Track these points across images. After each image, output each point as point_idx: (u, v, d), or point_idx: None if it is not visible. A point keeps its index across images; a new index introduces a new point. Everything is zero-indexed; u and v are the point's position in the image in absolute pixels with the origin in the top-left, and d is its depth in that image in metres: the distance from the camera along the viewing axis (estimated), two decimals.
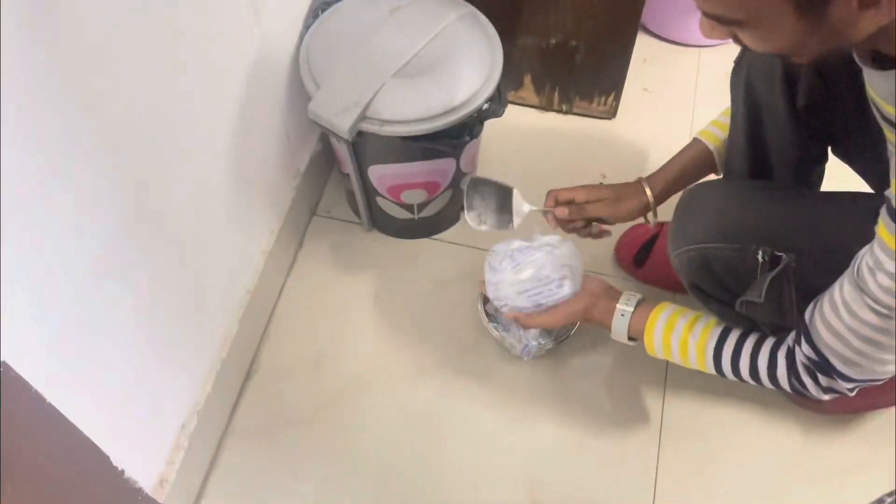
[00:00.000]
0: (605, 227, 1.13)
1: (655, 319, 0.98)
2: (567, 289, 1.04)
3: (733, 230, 0.89)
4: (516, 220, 1.11)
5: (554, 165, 1.48)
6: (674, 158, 1.13)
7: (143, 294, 0.88)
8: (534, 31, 1.39)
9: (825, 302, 0.78)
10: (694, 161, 1.11)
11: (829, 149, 1.04)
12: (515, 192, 1.12)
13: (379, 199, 1.28)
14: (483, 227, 1.12)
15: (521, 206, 1.12)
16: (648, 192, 1.09)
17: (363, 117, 1.07)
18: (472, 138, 1.16)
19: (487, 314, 1.20)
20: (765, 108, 0.97)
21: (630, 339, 1.02)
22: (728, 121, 1.08)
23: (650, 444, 1.17)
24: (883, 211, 0.69)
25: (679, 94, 1.59)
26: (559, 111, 1.55)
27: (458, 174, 1.26)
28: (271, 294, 1.28)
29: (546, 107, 1.55)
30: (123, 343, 0.86)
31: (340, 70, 1.09)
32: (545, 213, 1.12)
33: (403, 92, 1.08)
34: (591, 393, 1.21)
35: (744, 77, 0.97)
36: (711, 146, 1.09)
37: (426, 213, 1.31)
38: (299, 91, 1.14)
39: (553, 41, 1.40)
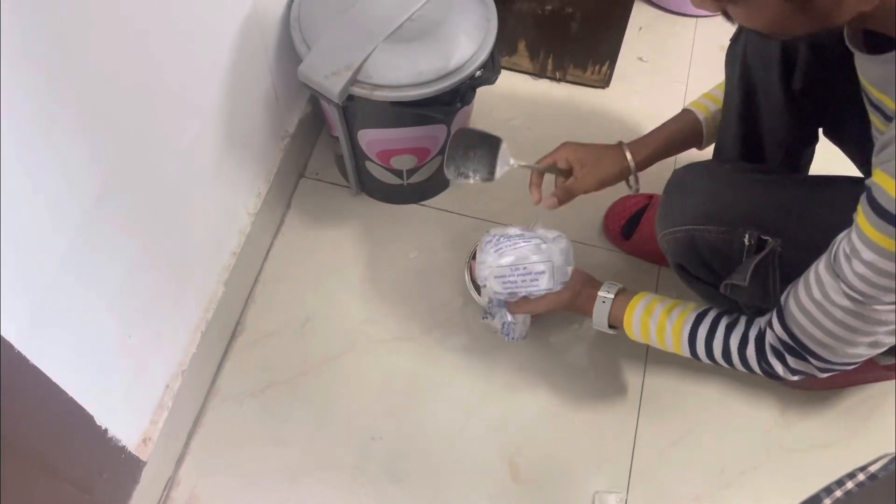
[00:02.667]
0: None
1: (635, 305, 0.98)
2: (543, 284, 1.04)
3: (721, 213, 0.89)
4: (499, 172, 1.07)
5: (545, 133, 1.46)
6: (661, 126, 1.12)
7: (128, 255, 0.88)
8: None
9: (800, 285, 0.78)
10: (681, 131, 1.10)
11: (821, 131, 1.04)
12: (503, 145, 1.08)
13: (368, 164, 1.27)
14: (460, 180, 1.08)
15: (507, 158, 1.08)
16: (629, 155, 1.08)
17: (354, 81, 1.06)
18: (463, 105, 1.15)
19: (475, 285, 1.20)
20: (759, 89, 0.96)
21: (611, 327, 1.03)
22: (721, 95, 1.07)
23: (629, 416, 1.19)
24: (863, 199, 0.69)
25: (674, 65, 1.58)
26: (553, 78, 1.53)
27: (449, 139, 1.25)
28: (258, 256, 1.28)
29: (539, 73, 1.53)
30: (108, 304, 0.86)
31: (332, 32, 1.07)
32: (531, 168, 1.10)
33: (395, 56, 1.06)
34: (574, 365, 1.23)
35: (740, 56, 0.96)
36: (702, 116, 1.08)
37: (415, 178, 1.30)
38: (289, 51, 1.12)
39: (549, 7, 1.38)
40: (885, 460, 1.17)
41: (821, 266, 0.75)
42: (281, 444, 1.15)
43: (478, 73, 1.11)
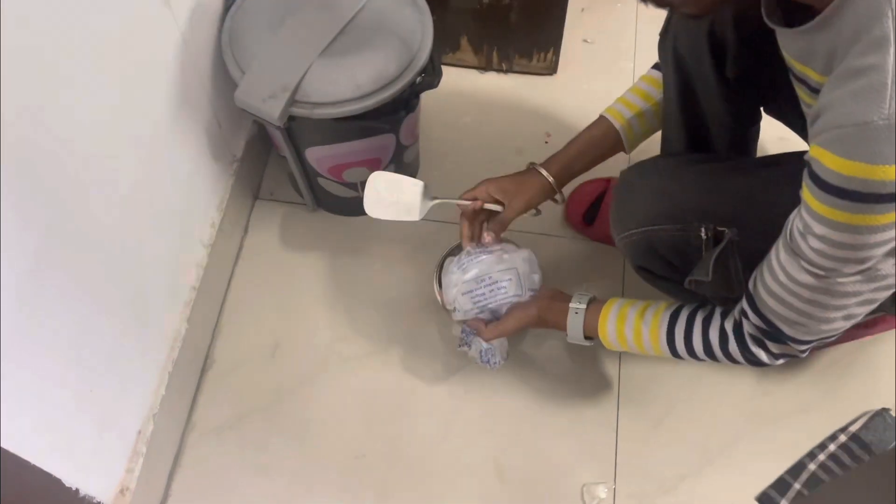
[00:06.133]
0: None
1: (607, 313, 0.97)
2: (511, 291, 1.04)
3: (673, 210, 0.88)
4: (422, 212, 1.08)
5: (497, 128, 1.46)
6: (576, 138, 1.10)
7: (78, 313, 0.85)
8: None
9: (764, 269, 0.78)
10: (596, 140, 1.09)
11: (762, 108, 1.03)
12: (422, 185, 1.09)
13: (321, 180, 1.25)
14: (383, 217, 1.09)
15: (429, 198, 1.09)
16: (544, 173, 1.07)
17: (293, 102, 1.04)
18: (408, 112, 1.13)
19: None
20: (695, 79, 0.96)
21: (586, 338, 1.01)
22: (636, 99, 1.07)
23: (609, 404, 1.18)
24: (805, 174, 0.69)
25: (619, 43, 1.57)
26: (499, 70, 1.52)
27: (399, 148, 1.23)
28: (219, 287, 1.26)
29: (485, 66, 1.52)
30: (61, 364, 0.84)
31: (265, 53, 1.05)
32: (458, 204, 1.10)
33: (332, 72, 1.04)
34: (549, 361, 1.22)
35: (671, 49, 0.95)
36: (617, 125, 1.07)
37: None
38: (225, 76, 1.10)
39: (486, 1, 1.37)
40: (864, 419, 1.19)
41: (780, 247, 0.75)
42: (265, 474, 1.13)
43: (418, 78, 1.10)
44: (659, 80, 1.06)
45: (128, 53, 0.89)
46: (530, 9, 1.38)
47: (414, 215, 1.09)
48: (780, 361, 0.85)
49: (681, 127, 1.01)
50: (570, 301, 1.01)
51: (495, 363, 1.08)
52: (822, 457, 1.15)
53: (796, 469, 1.14)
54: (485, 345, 1.07)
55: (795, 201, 0.74)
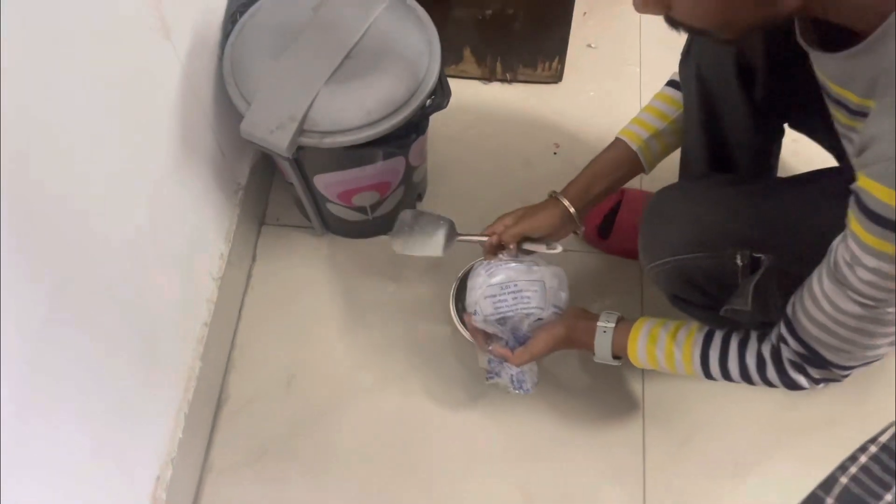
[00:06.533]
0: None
1: (637, 334, 0.95)
2: (533, 303, 1.01)
3: (707, 237, 0.86)
4: (446, 249, 1.10)
5: (504, 140, 1.42)
6: (591, 163, 1.07)
7: (90, 358, 0.82)
8: (468, 4, 1.32)
9: (805, 296, 0.75)
10: (613, 163, 1.05)
11: (787, 124, 1.01)
12: (449, 223, 1.11)
13: (329, 205, 1.22)
14: (407, 252, 1.11)
15: (454, 236, 1.10)
16: (566, 203, 1.04)
17: (301, 132, 1.00)
18: (419, 136, 1.10)
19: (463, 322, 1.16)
20: (719, 100, 0.93)
21: (614, 357, 0.99)
22: (651, 118, 1.04)
23: (635, 424, 1.16)
24: (852, 203, 0.66)
25: (624, 47, 1.54)
26: (503, 80, 1.49)
27: (409, 169, 1.20)
28: (230, 320, 1.23)
29: (489, 77, 1.48)
30: (74, 419, 0.81)
31: (269, 83, 1.01)
32: (480, 242, 1.09)
33: (340, 99, 1.01)
34: (571, 381, 1.20)
35: (693, 71, 0.92)
36: (634, 146, 1.03)
37: (381, 211, 1.25)
38: (225, 103, 1.06)
39: (489, 11, 1.33)
40: (893, 429, 1.17)
41: (823, 276, 0.72)
42: None
43: (428, 101, 1.06)
44: (674, 98, 1.03)
45: (129, 90, 0.86)
46: (534, 16, 1.34)
47: (438, 251, 1.09)
48: (821, 386, 0.82)
49: (703, 147, 0.98)
50: (596, 320, 0.98)
51: (528, 389, 1.05)
52: (853, 469, 1.12)
53: (828, 483, 1.11)
54: (515, 370, 1.04)
55: (832, 222, 0.71)
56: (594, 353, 0.99)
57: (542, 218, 1.05)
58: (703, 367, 0.89)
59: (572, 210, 1.04)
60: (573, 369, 1.20)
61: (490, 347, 1.03)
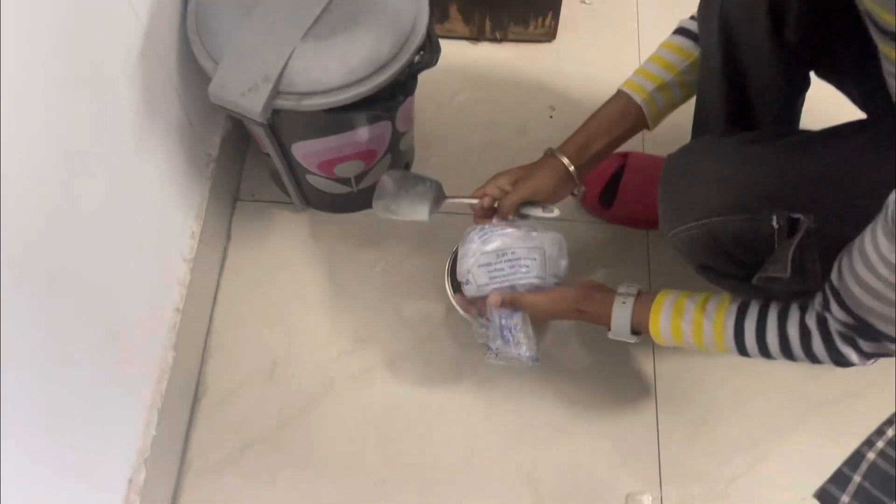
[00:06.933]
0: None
1: (660, 306, 0.86)
2: (533, 272, 0.93)
3: (739, 198, 0.77)
4: (433, 212, 1.01)
5: (495, 104, 1.33)
6: (591, 117, 0.98)
7: (47, 352, 0.73)
8: None
9: (856, 259, 0.67)
10: (615, 117, 0.96)
11: (815, 73, 0.92)
12: (436, 184, 1.02)
13: (309, 177, 1.11)
14: (390, 216, 1.01)
15: (442, 198, 1.01)
16: (565, 160, 0.96)
17: (276, 93, 0.90)
18: (407, 96, 1.00)
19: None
20: (744, 45, 0.83)
21: (633, 333, 0.90)
22: (657, 68, 0.95)
23: (647, 405, 1.09)
24: None
25: (621, 2, 1.44)
26: (493, 40, 1.39)
27: (396, 136, 1.10)
28: (204, 305, 1.12)
29: (478, 37, 1.38)
30: (29, 415, 0.71)
31: (239, 40, 0.91)
32: (471, 204, 0.99)
33: (319, 56, 0.90)
34: (576, 362, 1.11)
35: (716, 13, 0.83)
36: (638, 99, 0.95)
37: (366, 183, 1.15)
38: (191, 65, 0.95)
39: None
40: None
41: (878, 234, 0.63)
42: None
43: (416, 57, 0.96)
44: (683, 48, 0.94)
45: (80, 51, 0.75)
46: None
47: (424, 216, 0.99)
48: (872, 362, 0.74)
49: (722, 100, 0.89)
50: (614, 292, 0.90)
51: (524, 355, 0.93)
52: (880, 444, 1.04)
53: (854, 459, 1.04)
54: (503, 319, 0.93)
55: (880, 177, 0.63)
56: (609, 328, 0.91)
57: (540, 180, 0.96)
58: (736, 341, 0.80)
59: (571, 168, 0.95)
60: (576, 347, 1.12)
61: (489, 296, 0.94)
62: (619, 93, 0.97)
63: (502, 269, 0.94)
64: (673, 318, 0.85)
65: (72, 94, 0.74)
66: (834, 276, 0.70)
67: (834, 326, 0.72)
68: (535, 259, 0.94)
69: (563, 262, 0.96)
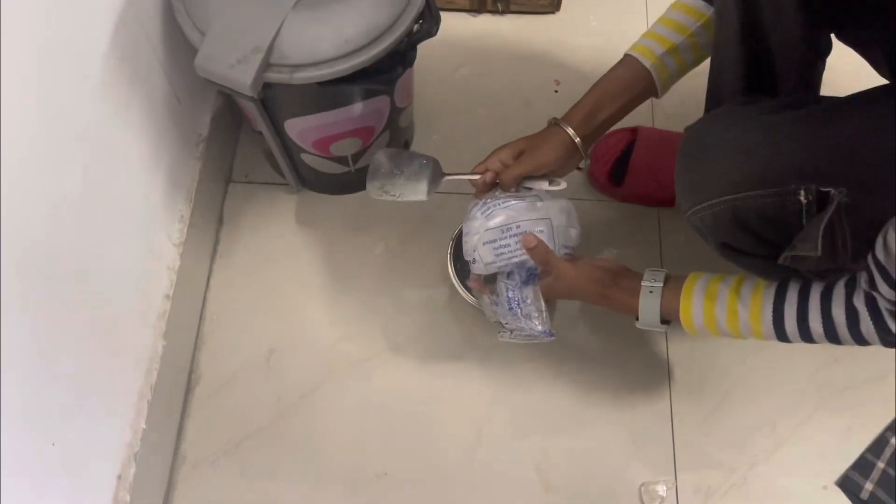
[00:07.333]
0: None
1: (691, 291, 0.81)
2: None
3: (765, 171, 0.71)
4: (431, 191, 0.95)
5: (498, 78, 1.27)
6: (597, 83, 0.93)
7: (27, 344, 0.68)
8: None
9: None
10: (623, 83, 0.91)
11: (838, 36, 0.86)
12: (432, 162, 0.96)
13: (304, 156, 1.06)
14: (386, 197, 0.95)
15: (440, 176, 0.95)
16: (570, 131, 0.90)
17: (267, 66, 0.85)
18: (406, 68, 0.95)
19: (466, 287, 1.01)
20: (766, 4, 0.77)
21: (662, 322, 0.85)
22: (667, 31, 0.89)
23: (660, 391, 1.04)
24: None
25: None
26: (494, 11, 1.33)
27: (395, 111, 1.05)
28: (196, 291, 1.08)
29: (478, 8, 1.32)
30: (10, 411, 0.66)
31: (227, 8, 0.85)
32: (471, 180, 0.94)
33: (312, 26, 0.85)
34: (585, 346, 1.07)
35: None
36: (648, 63, 0.89)
37: (363, 162, 1.10)
38: (177, 36, 0.90)
39: None
40: None
41: None
42: (272, 501, 0.97)
43: (415, 26, 0.91)
44: (694, 8, 0.89)
45: (55, 19, 0.70)
46: None
47: (422, 195, 0.94)
48: None
49: (740, 65, 0.84)
50: (639, 279, 0.85)
51: (537, 329, 0.88)
52: None
53: (878, 445, 1.00)
54: (510, 291, 0.88)
55: None
56: (636, 318, 0.86)
57: (545, 152, 0.91)
58: (775, 326, 0.75)
59: (577, 140, 0.90)
60: (586, 330, 1.07)
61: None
62: (627, 57, 0.92)
63: (508, 245, 0.89)
64: (705, 304, 0.79)
65: (45, 66, 0.69)
66: (879, 252, 0.64)
67: (883, 305, 0.67)
68: (542, 231, 0.89)
69: (574, 231, 0.91)
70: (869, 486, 0.98)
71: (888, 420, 1.02)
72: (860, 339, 0.71)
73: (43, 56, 0.68)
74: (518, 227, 0.89)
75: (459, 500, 0.98)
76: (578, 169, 0.97)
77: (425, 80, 1.23)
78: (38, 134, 0.68)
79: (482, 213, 0.90)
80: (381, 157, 0.96)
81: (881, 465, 0.99)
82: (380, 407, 1.03)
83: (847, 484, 0.98)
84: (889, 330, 0.68)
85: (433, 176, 0.95)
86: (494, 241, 0.89)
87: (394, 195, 0.95)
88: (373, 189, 0.95)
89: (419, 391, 1.04)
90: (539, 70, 1.27)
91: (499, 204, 0.90)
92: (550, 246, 0.89)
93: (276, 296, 1.10)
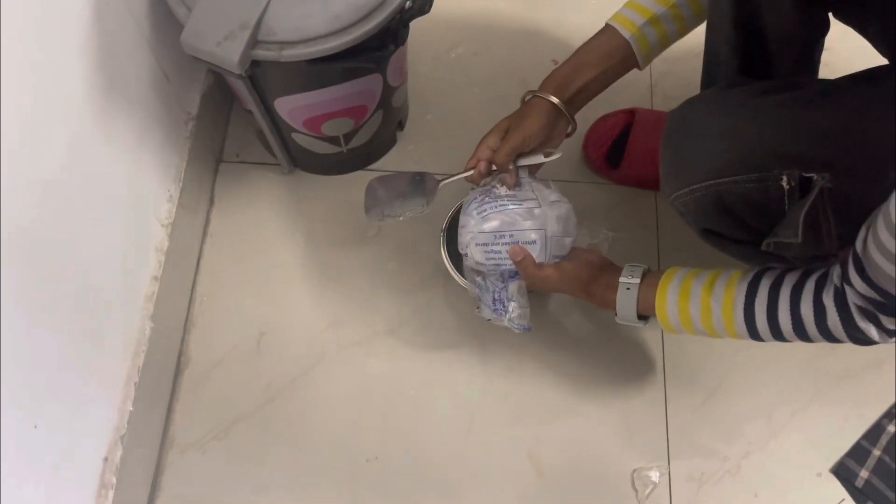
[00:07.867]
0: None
1: (666, 287, 0.79)
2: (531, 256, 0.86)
3: (748, 156, 0.69)
4: (431, 202, 0.93)
5: (495, 58, 1.25)
6: (574, 52, 0.90)
7: (9, 326, 0.66)
8: None
9: (880, 227, 0.59)
10: (600, 53, 0.88)
11: (835, 14, 0.83)
12: (424, 176, 0.94)
13: (295, 136, 1.04)
14: (388, 220, 0.94)
15: (436, 186, 0.93)
16: (550, 98, 0.87)
17: (255, 42, 0.83)
18: (398, 46, 0.92)
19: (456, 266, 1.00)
20: None
21: (640, 318, 0.84)
22: (648, 1, 0.86)
23: (654, 377, 1.03)
24: None
25: None
26: None
27: (387, 90, 1.03)
28: (186, 273, 1.06)
29: None
30: None
31: None
32: (466, 178, 0.91)
33: (301, 1, 0.83)
34: (580, 333, 1.05)
35: None
36: (627, 34, 0.86)
37: (355, 142, 1.08)
38: (163, 12, 0.88)
39: None
40: None
41: None
42: (263, 490, 0.97)
43: (408, 3, 0.88)
44: None
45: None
46: None
47: (422, 209, 0.93)
48: (893, 340, 0.68)
49: (734, 45, 0.81)
50: (619, 273, 0.83)
51: (516, 325, 0.88)
52: None
53: (874, 433, 1.00)
54: (496, 291, 0.89)
55: None
56: (615, 313, 0.84)
57: (530, 123, 0.87)
58: (747, 322, 0.74)
59: (557, 101, 0.87)
60: (580, 316, 1.06)
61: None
62: (607, 27, 0.89)
63: (500, 252, 0.88)
64: (679, 301, 0.78)
65: (25, 43, 0.67)
66: (859, 244, 0.63)
67: (853, 300, 0.66)
68: (534, 242, 0.87)
69: (569, 240, 0.89)
70: (864, 473, 0.97)
71: (884, 408, 1.01)
72: (828, 336, 0.70)
73: (23, 32, 0.66)
74: (511, 235, 0.87)
75: (451, 486, 0.97)
76: (567, 135, 0.94)
77: (420, 58, 1.21)
78: (19, 114, 0.66)
79: (478, 213, 0.88)
80: (373, 185, 0.95)
81: (877, 452, 0.98)
82: (371, 392, 1.02)
83: (842, 471, 0.98)
84: (856, 326, 0.67)
85: (428, 188, 0.94)
86: (486, 244, 0.88)
87: (396, 216, 0.94)
88: (373, 217, 0.94)
89: (411, 376, 1.03)
90: (537, 49, 1.25)
91: (495, 206, 0.88)
92: (542, 257, 0.87)
93: (268, 278, 1.08)
